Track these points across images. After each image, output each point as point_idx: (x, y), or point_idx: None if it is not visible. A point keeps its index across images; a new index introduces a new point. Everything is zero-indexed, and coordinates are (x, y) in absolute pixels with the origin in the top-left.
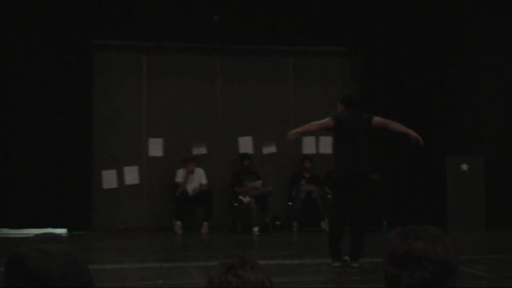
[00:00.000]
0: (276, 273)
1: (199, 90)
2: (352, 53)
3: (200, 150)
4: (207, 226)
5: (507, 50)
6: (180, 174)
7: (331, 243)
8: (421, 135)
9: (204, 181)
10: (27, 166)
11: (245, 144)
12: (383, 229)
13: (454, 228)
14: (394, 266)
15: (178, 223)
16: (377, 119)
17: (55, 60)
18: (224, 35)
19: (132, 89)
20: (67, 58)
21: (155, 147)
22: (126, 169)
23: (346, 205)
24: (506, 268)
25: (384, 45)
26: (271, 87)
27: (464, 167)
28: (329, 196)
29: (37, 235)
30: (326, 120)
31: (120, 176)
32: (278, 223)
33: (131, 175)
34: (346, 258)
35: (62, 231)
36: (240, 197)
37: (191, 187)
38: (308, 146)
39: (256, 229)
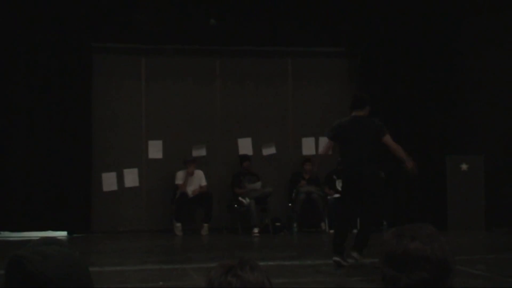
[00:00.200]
0: (276, 274)
1: (198, 92)
2: (351, 54)
3: (199, 152)
4: (207, 228)
5: (507, 50)
6: (180, 176)
7: (335, 241)
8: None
9: (204, 182)
10: (27, 169)
11: (245, 146)
12: (383, 229)
13: (454, 228)
14: (391, 268)
15: (178, 225)
16: (386, 139)
17: (54, 63)
18: (222, 36)
19: (131, 91)
20: (66, 60)
21: (155, 149)
22: (126, 171)
23: (352, 206)
24: (506, 268)
25: (383, 45)
26: (270, 89)
27: (464, 167)
28: (329, 197)
29: (38, 239)
30: (327, 141)
31: (120, 179)
32: (278, 224)
33: (131, 177)
34: (348, 260)
35: (62, 233)
36: (240, 198)
37: (191, 189)
38: (308, 147)
39: (256, 230)
